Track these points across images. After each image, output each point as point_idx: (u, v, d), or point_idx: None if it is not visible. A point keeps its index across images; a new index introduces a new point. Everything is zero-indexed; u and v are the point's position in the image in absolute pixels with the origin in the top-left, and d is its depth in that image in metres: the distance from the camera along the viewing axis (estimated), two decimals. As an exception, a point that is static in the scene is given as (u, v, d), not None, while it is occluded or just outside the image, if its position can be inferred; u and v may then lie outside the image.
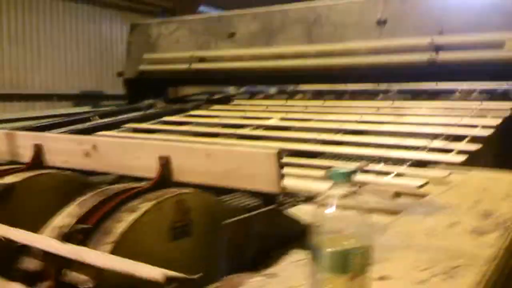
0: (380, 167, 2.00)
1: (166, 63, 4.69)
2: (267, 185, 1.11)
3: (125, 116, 3.89)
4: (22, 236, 0.96)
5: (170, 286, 0.74)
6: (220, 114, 3.71)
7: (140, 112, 4.11)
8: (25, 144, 1.50)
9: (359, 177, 1.80)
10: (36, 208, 1.19)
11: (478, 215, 1.33)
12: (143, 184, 1.20)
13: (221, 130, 3.17)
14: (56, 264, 0.91)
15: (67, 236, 0.98)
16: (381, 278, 0.93)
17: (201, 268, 0.96)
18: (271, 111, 3.59)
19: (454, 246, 1.09)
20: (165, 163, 1.23)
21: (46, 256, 0.92)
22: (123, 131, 3.37)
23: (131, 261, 0.84)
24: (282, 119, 3.30)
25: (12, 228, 0.98)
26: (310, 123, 3.09)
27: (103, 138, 1.90)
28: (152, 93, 4.72)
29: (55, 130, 3.40)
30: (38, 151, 1.48)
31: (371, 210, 1.35)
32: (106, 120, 3.77)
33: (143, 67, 4.83)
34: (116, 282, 0.90)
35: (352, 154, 2.27)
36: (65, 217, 1.08)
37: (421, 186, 1.63)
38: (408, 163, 2.07)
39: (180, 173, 1.23)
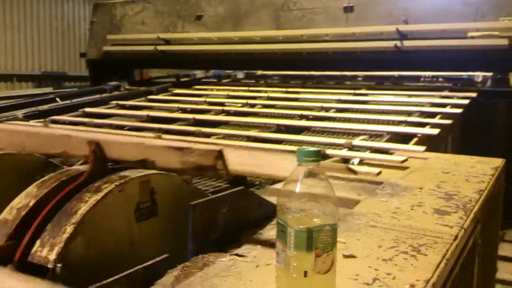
0: (364, 142, 2.11)
1: (131, 44, 4.58)
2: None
3: (110, 94, 3.96)
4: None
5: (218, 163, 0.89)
6: (204, 93, 3.77)
7: (106, 93, 4.05)
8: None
9: (345, 153, 1.90)
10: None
11: (441, 197, 1.37)
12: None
13: (208, 107, 3.22)
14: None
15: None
16: (347, 256, 0.94)
17: (168, 248, 0.95)
18: (253, 91, 3.68)
19: (418, 226, 1.12)
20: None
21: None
22: (110, 107, 3.45)
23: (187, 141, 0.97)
24: (267, 98, 3.40)
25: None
26: (295, 102, 3.23)
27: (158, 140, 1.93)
28: (117, 75, 4.60)
29: (19, 111, 3.27)
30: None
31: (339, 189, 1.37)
32: (91, 97, 3.79)
33: (107, 48, 4.70)
34: (80, 260, 0.88)
35: (337, 128, 2.45)
36: (24, 197, 1.04)
37: (404, 161, 1.72)
38: (387, 137, 2.22)
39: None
